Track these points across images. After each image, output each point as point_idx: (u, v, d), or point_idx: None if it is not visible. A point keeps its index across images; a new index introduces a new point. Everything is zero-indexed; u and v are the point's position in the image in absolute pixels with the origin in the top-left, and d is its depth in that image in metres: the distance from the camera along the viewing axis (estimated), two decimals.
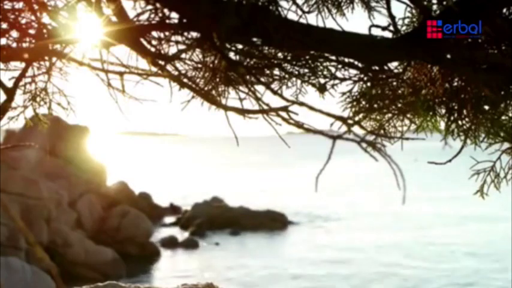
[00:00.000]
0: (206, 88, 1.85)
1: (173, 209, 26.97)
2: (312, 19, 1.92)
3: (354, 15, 2.00)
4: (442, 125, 1.96)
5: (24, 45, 1.64)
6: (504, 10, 1.72)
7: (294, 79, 1.89)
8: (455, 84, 1.89)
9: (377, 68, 1.82)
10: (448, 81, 1.88)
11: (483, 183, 1.90)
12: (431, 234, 21.60)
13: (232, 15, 1.49)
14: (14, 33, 1.62)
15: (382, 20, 1.86)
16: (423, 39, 1.63)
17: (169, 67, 1.76)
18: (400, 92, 1.93)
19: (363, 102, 1.92)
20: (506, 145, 1.88)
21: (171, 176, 42.61)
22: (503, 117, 1.86)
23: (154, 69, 1.70)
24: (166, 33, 1.68)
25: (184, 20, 1.59)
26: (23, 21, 1.62)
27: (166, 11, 1.61)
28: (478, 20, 1.60)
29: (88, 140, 22.33)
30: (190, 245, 20.37)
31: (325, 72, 1.83)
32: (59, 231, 16.68)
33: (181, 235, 21.79)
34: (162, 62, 1.72)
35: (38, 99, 1.80)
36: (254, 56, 1.78)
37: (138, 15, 1.61)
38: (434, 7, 1.78)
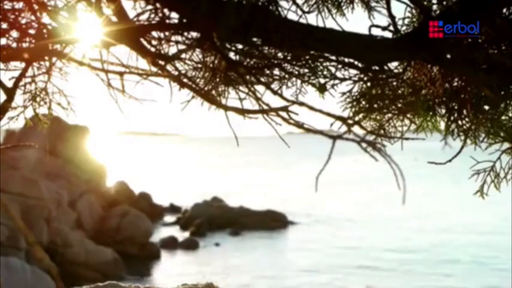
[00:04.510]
0: (206, 88, 1.85)
1: (173, 209, 26.96)
2: (312, 19, 1.92)
3: (354, 15, 2.00)
4: (442, 125, 1.96)
5: (24, 45, 1.64)
6: (504, 10, 1.72)
7: (294, 79, 1.89)
8: (455, 84, 1.89)
9: (377, 68, 1.82)
10: (448, 81, 1.88)
11: (483, 183, 1.89)
12: (433, 233, 21.61)
13: (232, 15, 1.49)
14: (14, 33, 1.62)
15: (382, 20, 1.86)
16: (424, 39, 1.63)
17: (169, 67, 1.76)
18: (400, 92, 1.93)
19: (363, 102, 1.92)
20: (506, 145, 1.88)
21: (171, 176, 42.60)
22: (503, 117, 1.86)
23: (154, 69, 1.70)
24: (166, 33, 1.68)
25: (184, 20, 1.59)
26: (23, 21, 1.62)
27: (166, 11, 1.61)
28: (477, 20, 1.60)
29: (88, 140, 22.33)
30: (190, 245, 20.36)
31: (325, 72, 1.83)
32: (59, 231, 16.68)
33: (181, 235, 21.78)
34: (162, 62, 1.72)
35: (38, 99, 1.80)
36: (254, 56, 1.78)
37: (138, 15, 1.61)
38: (434, 7, 1.78)
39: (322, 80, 1.85)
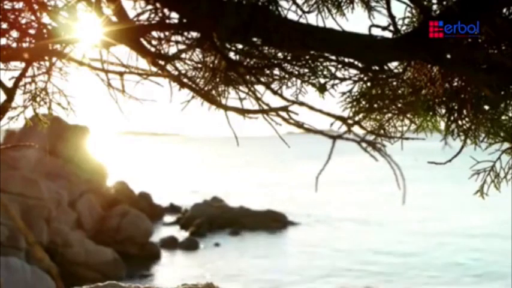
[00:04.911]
0: (206, 88, 1.85)
1: (173, 209, 26.97)
2: (312, 19, 1.92)
3: (354, 15, 2.00)
4: (442, 125, 1.96)
5: (24, 45, 1.64)
6: (504, 10, 1.72)
7: (294, 79, 1.89)
8: (455, 84, 1.90)
9: (377, 68, 1.82)
10: (448, 81, 1.88)
11: (483, 183, 1.90)
12: (434, 235, 21.61)
13: (232, 16, 1.49)
14: (14, 33, 1.62)
15: (382, 20, 1.86)
16: (424, 39, 1.63)
17: (169, 67, 1.76)
18: (400, 92, 1.93)
19: (363, 102, 1.92)
20: (506, 145, 1.88)
21: (171, 176, 42.60)
22: (503, 117, 1.86)
23: (154, 69, 1.70)
24: (166, 33, 1.68)
25: (184, 20, 1.59)
26: (23, 21, 1.62)
27: (166, 11, 1.61)
28: (477, 20, 1.60)
29: (88, 140, 22.33)
30: (190, 245, 20.36)
31: (325, 72, 1.83)
32: (59, 231, 16.68)
33: (181, 235, 21.78)
34: (162, 62, 1.72)
35: (38, 99, 1.80)
36: (254, 56, 1.78)
37: (138, 15, 1.61)
38: (434, 7, 1.78)
39: (322, 80, 1.85)
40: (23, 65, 1.70)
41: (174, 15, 1.61)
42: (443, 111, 1.94)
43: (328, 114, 1.59)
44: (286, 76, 1.87)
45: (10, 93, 1.68)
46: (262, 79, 1.79)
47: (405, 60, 1.87)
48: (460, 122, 1.91)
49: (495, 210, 22.66)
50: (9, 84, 1.68)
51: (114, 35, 1.57)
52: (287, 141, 1.79)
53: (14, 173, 17.02)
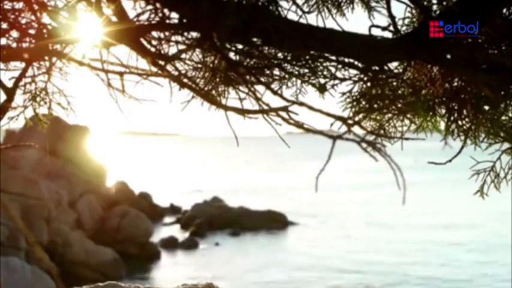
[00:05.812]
0: (206, 88, 1.85)
1: (173, 209, 26.97)
2: (312, 19, 1.92)
3: (354, 15, 2.00)
4: (442, 125, 1.96)
5: (24, 45, 1.64)
6: (504, 10, 1.72)
7: (294, 79, 1.89)
8: (455, 84, 1.90)
9: (377, 68, 1.82)
10: (448, 81, 1.88)
11: (483, 183, 1.90)
12: (434, 233, 21.60)
13: (232, 15, 1.49)
14: (14, 33, 1.62)
15: (382, 20, 1.87)
16: (424, 39, 1.63)
17: (169, 67, 1.76)
18: (400, 92, 1.93)
19: (363, 102, 1.92)
20: (506, 145, 1.88)
21: (171, 176, 42.60)
22: (503, 117, 1.86)
23: (154, 69, 1.70)
24: (166, 33, 1.68)
25: (184, 20, 1.59)
26: (23, 21, 1.62)
27: (166, 11, 1.61)
28: (477, 20, 1.60)
29: (88, 140, 22.34)
30: (190, 245, 20.37)
31: (325, 72, 1.83)
32: (59, 231, 16.68)
33: (181, 235, 21.79)
34: (162, 62, 1.72)
35: (38, 99, 1.80)
36: (254, 56, 1.78)
37: (138, 15, 1.61)
38: (434, 7, 1.78)
39: (322, 80, 1.85)
40: (23, 65, 1.70)
41: (174, 15, 1.61)
42: (443, 111, 1.94)
43: (328, 115, 1.59)
44: (286, 76, 1.87)
45: (10, 93, 1.68)
46: (262, 79, 1.79)
47: (405, 60, 1.87)
48: (460, 122, 1.91)
49: (496, 212, 22.61)
50: (9, 84, 1.68)
51: (114, 35, 1.57)
52: (287, 141, 1.79)
53: (14, 173, 17.02)
